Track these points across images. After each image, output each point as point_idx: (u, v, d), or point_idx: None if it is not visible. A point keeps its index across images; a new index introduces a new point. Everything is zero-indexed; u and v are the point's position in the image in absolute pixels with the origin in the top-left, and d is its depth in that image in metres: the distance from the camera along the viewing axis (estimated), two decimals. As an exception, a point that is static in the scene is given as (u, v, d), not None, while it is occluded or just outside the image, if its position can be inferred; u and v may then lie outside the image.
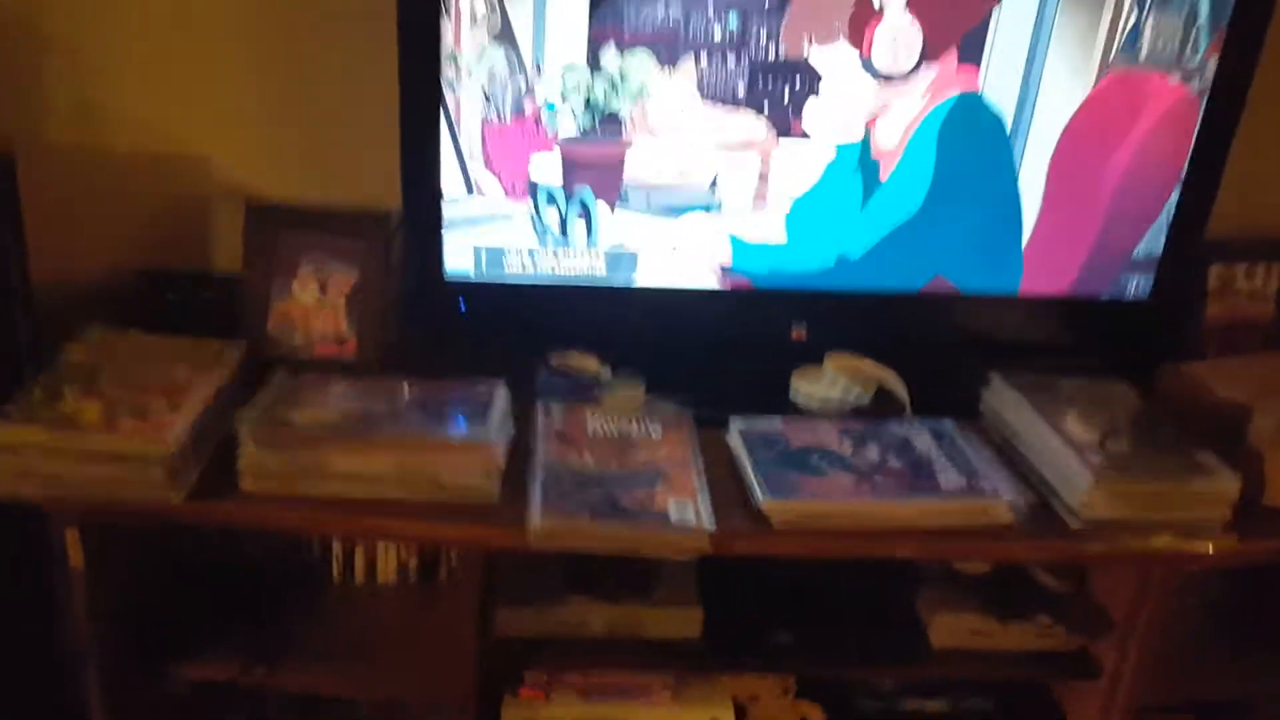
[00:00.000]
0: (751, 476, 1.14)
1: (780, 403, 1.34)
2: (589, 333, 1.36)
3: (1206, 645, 1.34)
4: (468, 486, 1.10)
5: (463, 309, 1.33)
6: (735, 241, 1.31)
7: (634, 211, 1.29)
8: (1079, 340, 1.43)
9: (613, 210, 1.29)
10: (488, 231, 1.29)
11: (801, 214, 1.31)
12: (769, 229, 1.31)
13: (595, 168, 1.26)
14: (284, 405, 1.13)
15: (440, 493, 1.10)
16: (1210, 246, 1.41)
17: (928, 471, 1.17)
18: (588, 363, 1.35)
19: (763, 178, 1.29)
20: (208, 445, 1.13)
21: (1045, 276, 1.37)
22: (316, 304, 1.32)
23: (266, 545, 1.37)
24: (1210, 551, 1.13)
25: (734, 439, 1.22)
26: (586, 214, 1.29)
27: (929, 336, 1.40)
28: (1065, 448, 1.16)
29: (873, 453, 1.20)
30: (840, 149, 1.28)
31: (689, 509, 1.09)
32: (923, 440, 1.23)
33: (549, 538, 1.06)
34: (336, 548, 1.39)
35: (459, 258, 1.30)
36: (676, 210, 1.30)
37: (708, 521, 1.07)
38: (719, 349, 1.39)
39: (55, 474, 1.05)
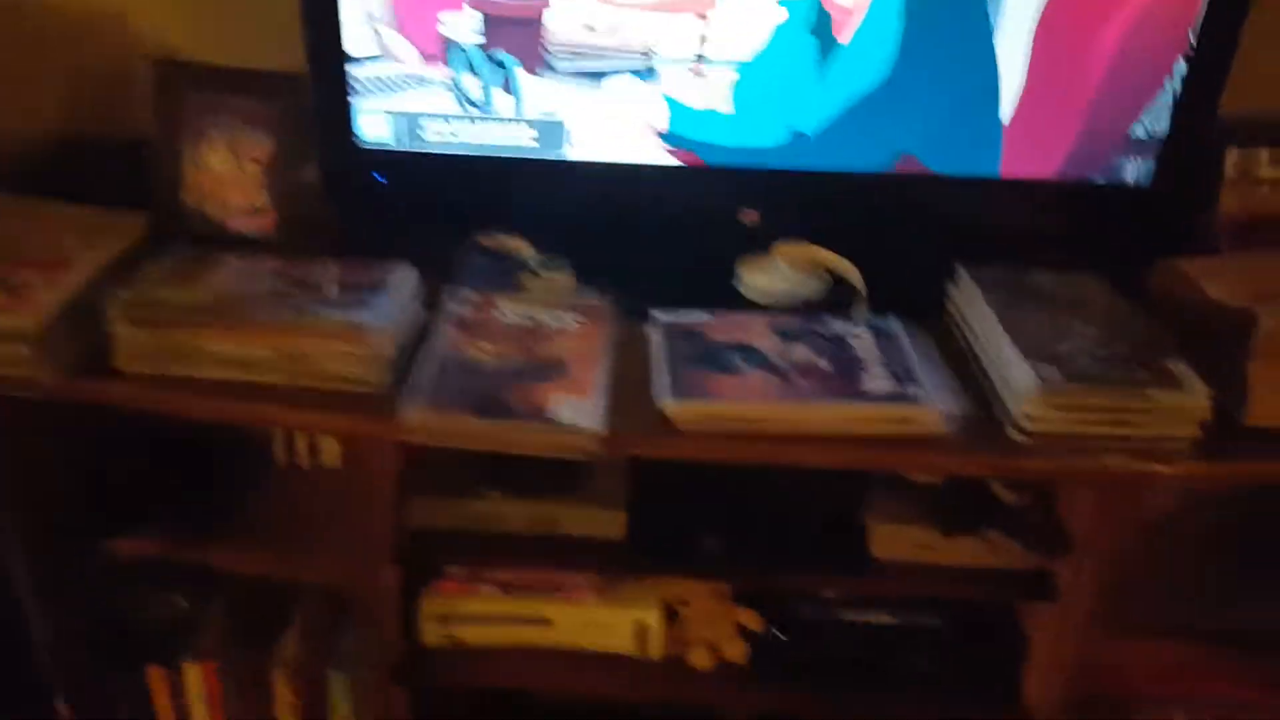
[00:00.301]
0: (660, 373, 1.05)
1: (727, 295, 1.24)
2: (521, 213, 1.26)
3: (1196, 570, 1.23)
4: (349, 375, 1.03)
5: (381, 180, 1.24)
6: (673, 105, 1.18)
7: (559, 77, 1.17)
8: (1069, 232, 1.27)
9: (535, 74, 1.17)
10: (407, 100, 1.19)
11: (750, 83, 1.17)
12: (713, 97, 1.18)
13: (512, 25, 1.14)
14: (164, 283, 1.07)
15: (322, 380, 1.04)
16: (1227, 126, 1.23)
17: (856, 374, 1.06)
18: (518, 245, 1.25)
19: (703, 40, 1.15)
20: (92, 324, 1.07)
21: (1030, 157, 1.21)
22: (231, 173, 1.25)
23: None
24: (1168, 473, 1.00)
25: (654, 333, 1.12)
26: (510, 81, 1.18)
27: (896, 224, 1.27)
28: (1013, 351, 1.04)
29: (801, 351, 1.09)
30: (791, 5, 1.13)
31: (580, 408, 1.00)
32: (863, 340, 1.12)
33: (421, 432, 0.99)
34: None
35: (375, 126, 1.21)
36: (601, 79, 1.17)
37: (596, 423, 0.99)
38: (661, 233, 1.28)
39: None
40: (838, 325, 1.14)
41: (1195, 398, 1.00)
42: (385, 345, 1.04)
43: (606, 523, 1.20)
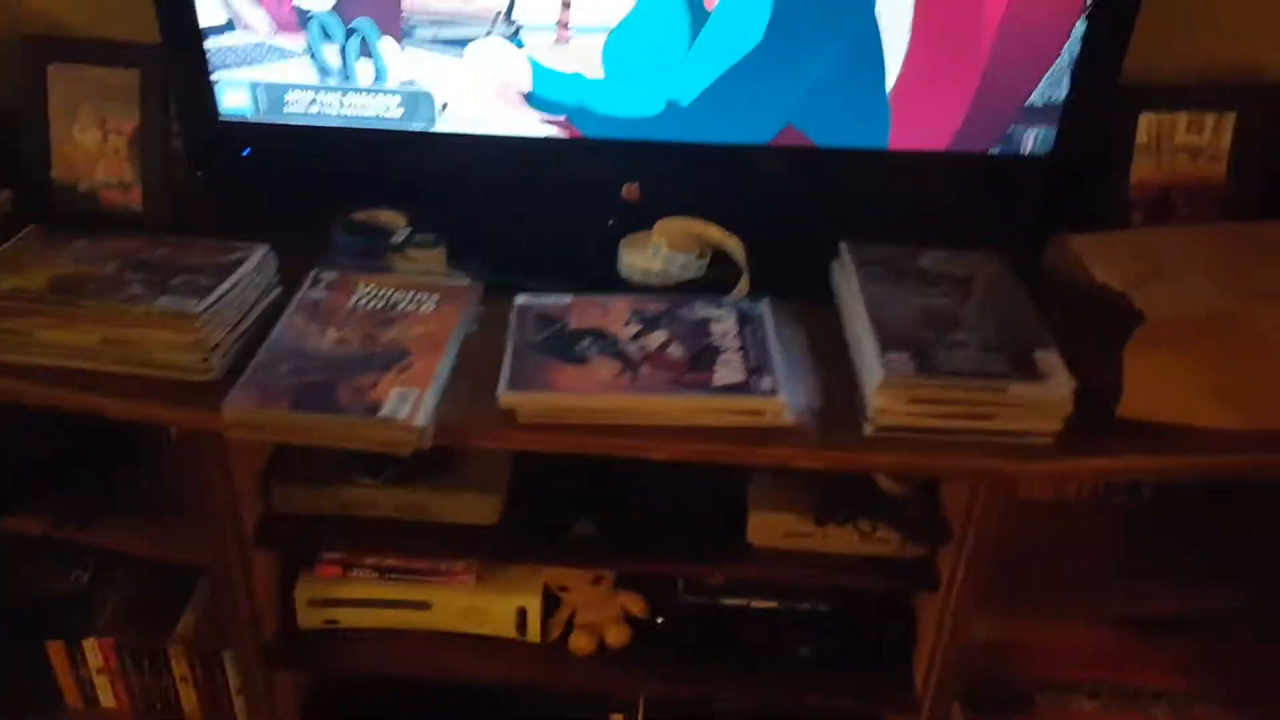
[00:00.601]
0: (504, 363, 1.01)
1: (606, 274, 1.19)
2: (393, 186, 1.22)
3: (1105, 555, 1.17)
4: (176, 363, 1.00)
5: (245, 153, 1.20)
6: (538, 69, 1.13)
7: (421, 44, 1.12)
8: (966, 207, 1.20)
9: (400, 44, 1.12)
10: (266, 71, 1.15)
11: (619, 48, 1.11)
12: (581, 61, 1.12)
13: (365, -7, 1.09)
14: (3, 267, 1.05)
15: (151, 369, 1.01)
16: (1139, 91, 1.15)
17: (708, 363, 1.01)
18: (391, 219, 1.21)
19: (565, 4, 1.09)
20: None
21: (919, 127, 1.14)
22: (97, 147, 1.21)
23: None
24: (1020, 471, 0.95)
25: (512, 317, 1.08)
26: (370, 49, 1.13)
27: (781, 200, 1.20)
28: (871, 339, 0.99)
29: (656, 338, 1.04)
30: (653, -31, 1.07)
31: (408, 401, 0.96)
32: (725, 324, 1.07)
33: (241, 426, 0.96)
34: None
35: (235, 96, 1.17)
36: (463, 46, 1.12)
37: (423, 417, 0.95)
38: (539, 209, 1.23)
39: None
40: (701, 309, 1.09)
41: (1057, 392, 0.95)
42: (213, 333, 1.00)
43: (480, 508, 1.17)
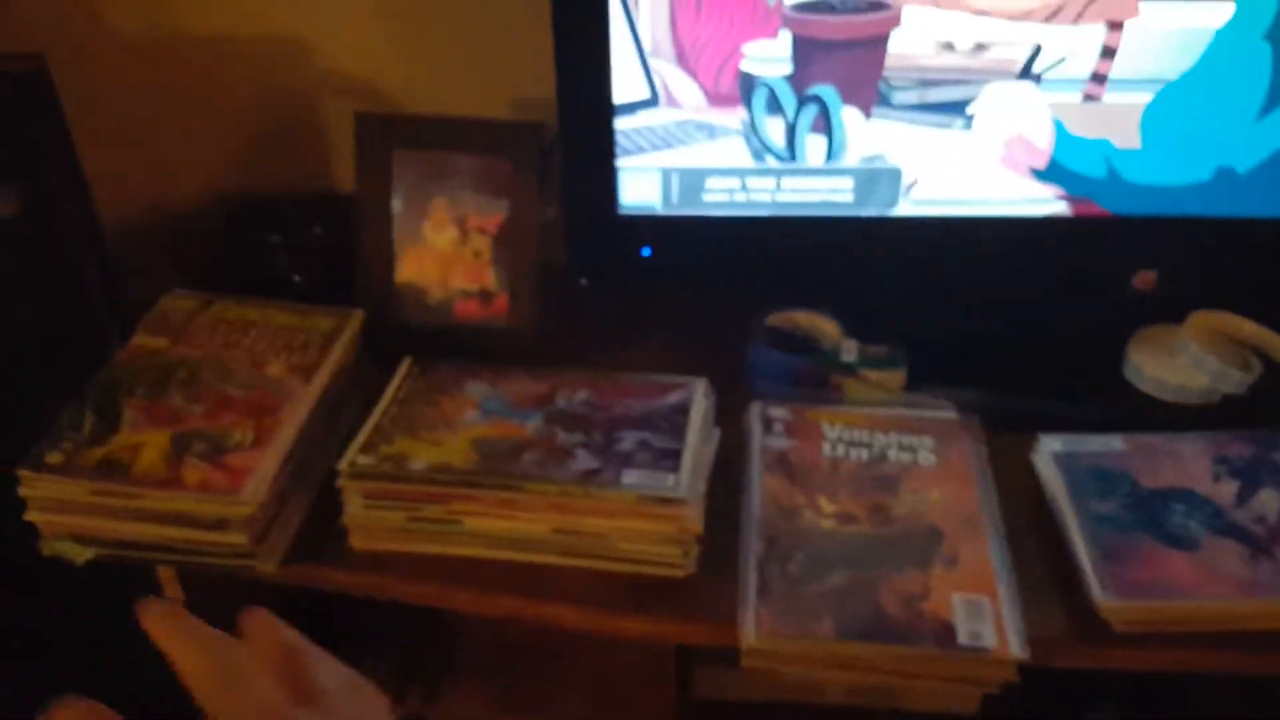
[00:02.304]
0: (1082, 550, 0.75)
1: (1111, 389, 0.92)
2: (825, 285, 0.96)
3: None
4: (648, 557, 0.76)
5: (646, 254, 0.95)
6: (1061, 133, 0.86)
7: (898, 113, 0.86)
8: None
9: (868, 116, 0.86)
10: (686, 154, 0.90)
11: (1167, 108, 0.84)
12: (1113, 130, 0.86)
13: (841, 50, 0.83)
14: (403, 431, 0.81)
15: (613, 563, 0.77)
16: None
17: (1366, 542, 0.74)
18: (822, 326, 0.96)
19: (1108, 53, 0.82)
20: (310, 476, 0.83)
21: None
22: (454, 248, 0.98)
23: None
24: None
25: (1047, 468, 0.82)
26: (827, 121, 0.87)
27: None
28: None
29: (1270, 501, 0.77)
30: (1240, 6, 0.79)
31: (984, 618, 0.71)
32: (1353, 475, 0.79)
33: (770, 658, 0.71)
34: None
35: (640, 186, 0.92)
36: (961, 109, 0.86)
37: (1016, 644, 0.70)
38: (1015, 308, 0.96)
39: (113, 532, 0.78)
40: (1309, 452, 0.81)
41: None
42: (695, 518, 0.76)
43: (955, 696, 0.92)
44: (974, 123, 0.86)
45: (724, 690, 0.95)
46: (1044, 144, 0.86)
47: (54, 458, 0.77)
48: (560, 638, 1.03)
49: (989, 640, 0.70)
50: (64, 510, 0.77)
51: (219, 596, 0.91)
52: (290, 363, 0.87)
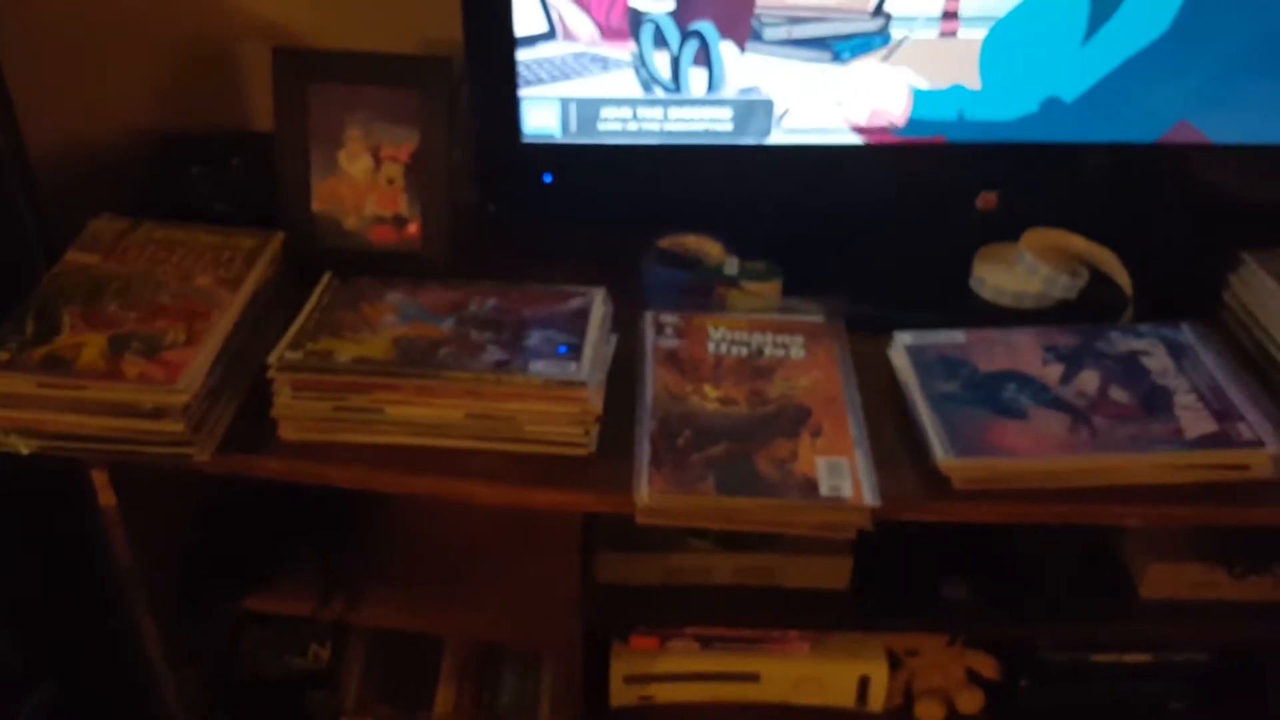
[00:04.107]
0: (927, 421, 0.87)
1: (958, 296, 1.05)
2: (708, 209, 1.06)
3: None
4: (553, 438, 0.86)
5: (547, 180, 1.05)
6: (917, 94, 0.98)
7: (770, 48, 0.97)
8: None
9: (743, 50, 0.97)
10: (582, 85, 0.99)
11: (1002, 44, 0.96)
12: (957, 67, 0.98)
13: (717, -9, 0.94)
14: (327, 333, 0.89)
15: (522, 445, 0.86)
16: None
17: (1163, 408, 0.87)
18: (708, 247, 1.06)
19: (948, -5, 0.94)
20: (240, 378, 0.90)
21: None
22: (369, 177, 1.06)
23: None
24: None
25: (900, 358, 0.94)
26: (707, 55, 0.97)
27: (1162, 205, 1.06)
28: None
29: (1089, 379, 0.90)
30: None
31: (843, 475, 0.82)
32: (1156, 358, 0.93)
33: (661, 514, 0.81)
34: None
35: (541, 115, 1.01)
36: (827, 46, 0.97)
37: (869, 494, 0.81)
38: (875, 225, 1.08)
39: (55, 425, 0.84)
40: (1121, 340, 0.95)
41: None
42: (595, 401, 0.86)
43: (827, 572, 1.04)
44: (840, 92, 0.97)
45: (624, 575, 1.05)
46: (902, 113, 0.98)
47: (1, 355, 0.83)
48: (472, 545, 1.12)
49: (847, 492, 0.81)
50: (9, 405, 0.83)
51: (151, 499, 0.98)
52: (217, 276, 0.94)
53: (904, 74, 0.97)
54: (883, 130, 1.01)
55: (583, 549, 1.00)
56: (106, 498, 0.96)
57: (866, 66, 0.97)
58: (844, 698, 1.12)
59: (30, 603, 1.18)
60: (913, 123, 1.00)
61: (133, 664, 1.11)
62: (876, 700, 1.12)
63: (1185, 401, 0.88)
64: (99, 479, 0.94)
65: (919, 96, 0.99)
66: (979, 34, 0.96)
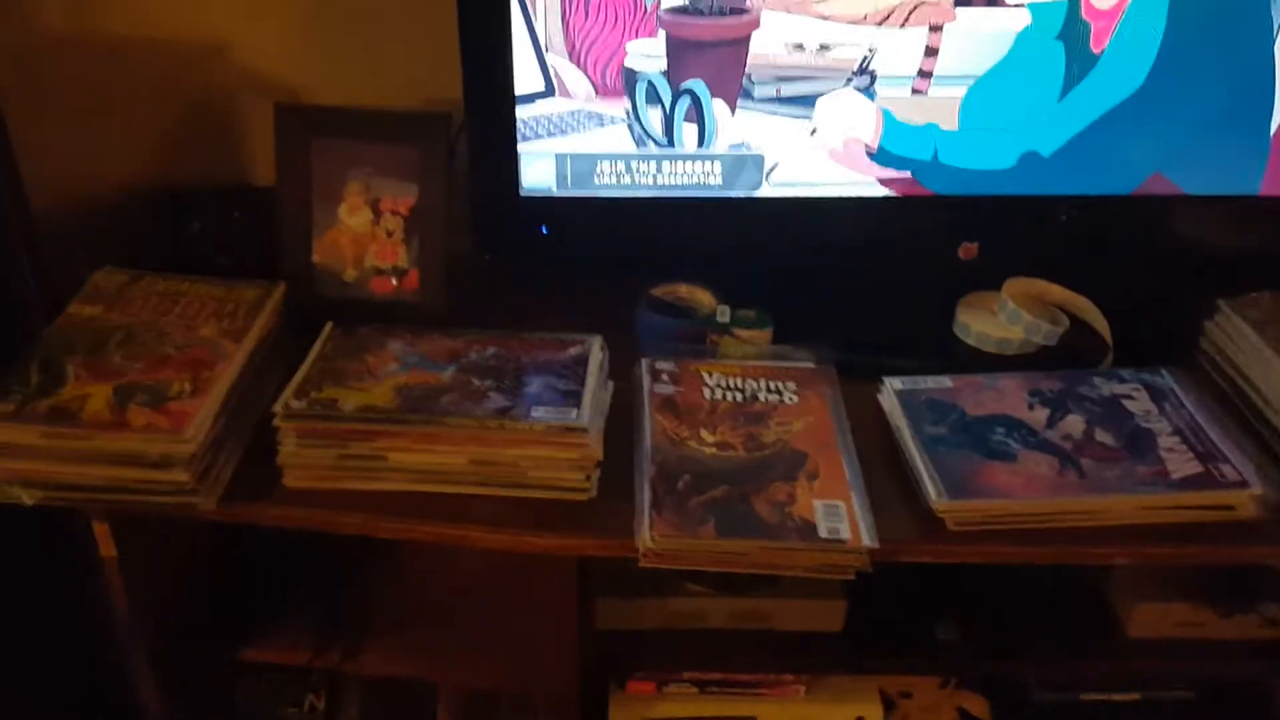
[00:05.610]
0: (920, 464, 0.89)
1: (942, 342, 1.08)
2: (699, 258, 1.10)
3: None
4: (555, 483, 0.87)
5: (544, 232, 1.07)
6: (889, 120, 1.01)
7: (759, 105, 1.00)
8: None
9: (733, 109, 1.00)
10: (577, 140, 1.02)
11: (980, 100, 1.00)
12: (936, 115, 1.01)
13: (710, 49, 0.97)
14: (331, 381, 0.91)
15: (524, 490, 0.88)
16: None
17: (1149, 449, 0.90)
18: (699, 296, 1.09)
19: (931, 52, 0.98)
20: (243, 427, 0.91)
21: (1299, 171, 1.04)
22: (368, 229, 1.08)
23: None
24: None
25: (890, 402, 0.96)
26: (699, 111, 1.00)
27: (1139, 254, 1.10)
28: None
29: (1074, 424, 0.93)
30: (1037, 10, 0.96)
31: (840, 517, 0.84)
32: (1139, 401, 0.95)
33: (663, 557, 0.83)
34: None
35: (538, 170, 1.04)
36: (812, 103, 1.00)
37: (867, 535, 0.83)
38: (861, 274, 1.11)
39: (60, 475, 0.85)
40: (1103, 383, 0.98)
41: None
42: (596, 447, 0.87)
43: (822, 615, 1.05)
44: (815, 118, 1.00)
45: (621, 620, 1.06)
46: (873, 136, 1.01)
47: (5, 407, 0.84)
48: (469, 591, 1.13)
49: (845, 533, 0.83)
50: (14, 455, 0.84)
51: (149, 550, 0.99)
52: (220, 327, 0.96)
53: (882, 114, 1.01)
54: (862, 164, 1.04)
55: (580, 594, 1.02)
56: (107, 549, 0.96)
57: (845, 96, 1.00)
58: (839, 741, 1.13)
59: (24, 650, 1.17)
60: (888, 158, 1.04)
61: (128, 715, 1.10)
62: (871, 743, 1.13)
63: (1169, 444, 0.90)
64: (100, 531, 0.95)
65: (896, 140, 1.02)
66: (958, 92, 0.99)
